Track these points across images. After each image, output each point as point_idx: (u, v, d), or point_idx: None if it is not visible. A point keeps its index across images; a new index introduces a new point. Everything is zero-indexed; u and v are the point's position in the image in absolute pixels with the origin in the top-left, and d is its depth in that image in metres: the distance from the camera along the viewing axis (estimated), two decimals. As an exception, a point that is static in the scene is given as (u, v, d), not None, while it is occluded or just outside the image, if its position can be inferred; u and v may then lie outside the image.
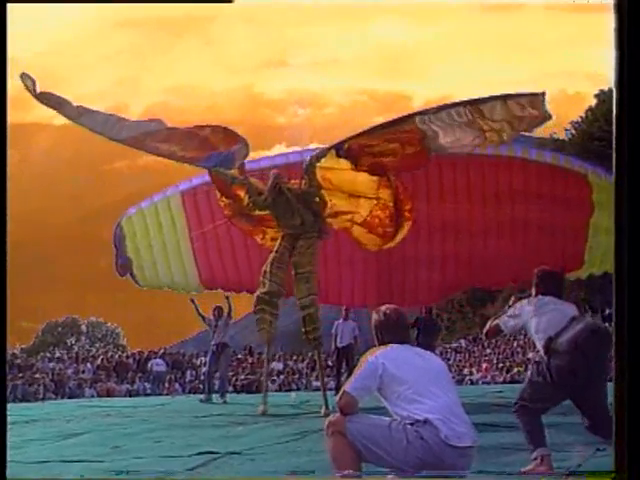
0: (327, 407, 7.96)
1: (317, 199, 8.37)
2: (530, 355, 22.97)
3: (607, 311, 26.80)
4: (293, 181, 8.43)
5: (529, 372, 4.52)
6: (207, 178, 9.08)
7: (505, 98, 6.84)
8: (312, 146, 9.62)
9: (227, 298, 11.35)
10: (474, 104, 6.92)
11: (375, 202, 8.50)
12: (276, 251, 8.42)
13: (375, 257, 9.47)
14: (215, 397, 11.37)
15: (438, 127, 7.08)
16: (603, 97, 34.35)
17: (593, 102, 34.25)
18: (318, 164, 8.00)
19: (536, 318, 4.50)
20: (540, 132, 9.51)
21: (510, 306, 4.74)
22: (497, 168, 9.11)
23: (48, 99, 7.65)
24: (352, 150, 7.68)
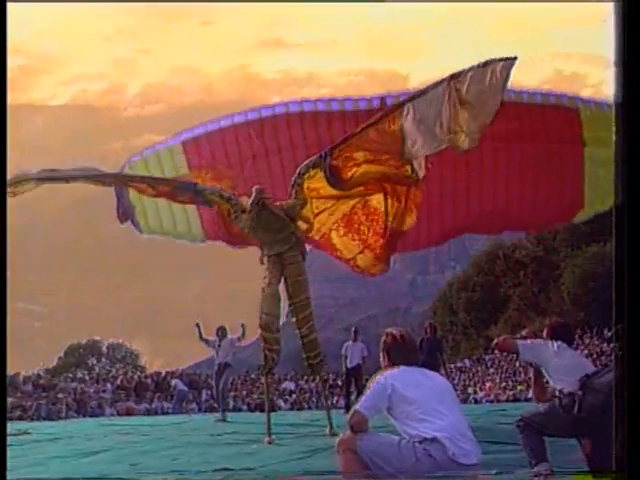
0: (332, 427, 8.02)
1: (303, 211, 8.34)
2: (531, 374, 22.91)
3: (607, 332, 26.68)
4: (279, 202, 8.37)
5: (554, 401, 4.79)
6: (209, 127, 9.20)
7: (483, 66, 6.71)
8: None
9: (242, 326, 11.59)
10: (454, 78, 6.82)
11: (359, 200, 8.49)
12: (268, 284, 8.31)
13: None
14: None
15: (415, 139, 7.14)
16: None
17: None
18: (306, 176, 7.92)
19: (557, 359, 4.81)
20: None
21: (524, 337, 5.06)
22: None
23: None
24: (338, 169, 7.64)
